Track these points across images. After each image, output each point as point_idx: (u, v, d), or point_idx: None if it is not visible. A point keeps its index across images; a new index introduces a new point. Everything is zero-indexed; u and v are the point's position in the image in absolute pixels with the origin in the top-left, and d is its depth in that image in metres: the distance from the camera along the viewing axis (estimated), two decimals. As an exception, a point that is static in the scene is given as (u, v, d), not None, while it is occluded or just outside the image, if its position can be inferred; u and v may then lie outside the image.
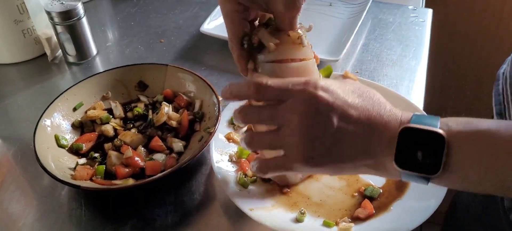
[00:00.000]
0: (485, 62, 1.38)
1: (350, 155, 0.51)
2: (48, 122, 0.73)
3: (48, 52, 0.96)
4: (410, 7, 1.05)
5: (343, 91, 0.51)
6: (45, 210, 0.68)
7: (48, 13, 0.88)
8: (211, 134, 0.68)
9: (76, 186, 0.63)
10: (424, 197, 0.63)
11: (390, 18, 1.03)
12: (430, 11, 1.03)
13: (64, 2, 0.89)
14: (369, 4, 0.99)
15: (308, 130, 0.50)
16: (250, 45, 0.57)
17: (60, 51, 0.97)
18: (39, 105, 0.76)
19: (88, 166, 0.69)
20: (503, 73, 0.79)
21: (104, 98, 0.81)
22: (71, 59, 0.95)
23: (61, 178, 0.63)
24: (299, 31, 0.57)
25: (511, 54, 0.79)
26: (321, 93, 0.50)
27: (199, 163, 0.73)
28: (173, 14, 1.10)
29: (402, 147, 0.48)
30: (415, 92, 0.85)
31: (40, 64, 0.97)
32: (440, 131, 0.46)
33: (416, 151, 0.47)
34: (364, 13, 0.97)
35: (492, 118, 0.81)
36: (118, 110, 0.79)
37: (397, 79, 0.87)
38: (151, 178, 0.63)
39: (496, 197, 0.74)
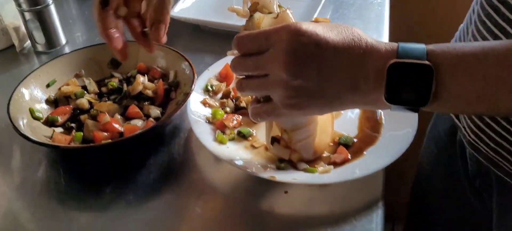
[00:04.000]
0: (443, 32, 1.43)
1: (338, 91, 0.50)
2: (21, 94, 0.72)
3: (16, 42, 0.95)
4: (369, -11, 1.11)
5: (323, 29, 0.49)
6: (24, 179, 0.67)
7: (18, 1, 0.88)
8: (188, 94, 0.70)
9: (55, 147, 0.63)
10: (395, 141, 0.67)
11: (351, 0, 1.09)
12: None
13: (32, -11, 0.90)
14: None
15: (293, 71, 0.49)
16: None
17: (28, 42, 0.96)
18: (8, 93, 0.74)
19: (66, 133, 0.69)
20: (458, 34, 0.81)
21: (77, 76, 0.81)
22: (40, 48, 0.95)
23: (39, 140, 0.63)
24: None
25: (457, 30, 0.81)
26: (302, 36, 0.49)
27: (177, 129, 0.74)
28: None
29: (391, 82, 0.47)
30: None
31: (8, 55, 0.96)
32: (428, 63, 0.46)
33: (406, 84, 0.47)
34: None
35: None
36: (92, 86, 0.79)
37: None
38: (130, 135, 0.64)
39: (457, 164, 0.77)
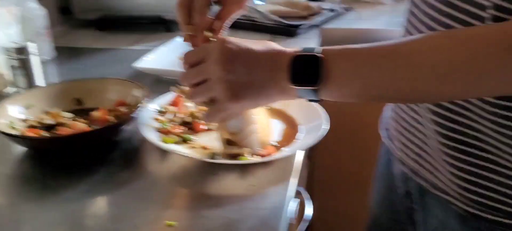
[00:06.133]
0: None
1: (262, 81, 0.66)
2: (4, 107, 0.89)
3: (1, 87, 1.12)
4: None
5: (244, 40, 0.68)
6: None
7: (6, 49, 1.07)
8: (138, 105, 0.87)
9: (27, 138, 0.78)
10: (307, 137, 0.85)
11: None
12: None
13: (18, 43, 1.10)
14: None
15: (226, 68, 0.66)
16: None
17: (11, 87, 1.13)
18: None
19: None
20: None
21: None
22: (22, 91, 1.11)
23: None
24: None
25: None
26: (229, 43, 0.67)
27: (131, 138, 0.90)
28: (114, 67, 1.32)
29: (294, 70, 0.63)
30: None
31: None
32: (318, 54, 0.62)
33: (303, 69, 0.63)
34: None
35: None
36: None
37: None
38: (93, 128, 0.81)
39: (394, 190, 0.88)
